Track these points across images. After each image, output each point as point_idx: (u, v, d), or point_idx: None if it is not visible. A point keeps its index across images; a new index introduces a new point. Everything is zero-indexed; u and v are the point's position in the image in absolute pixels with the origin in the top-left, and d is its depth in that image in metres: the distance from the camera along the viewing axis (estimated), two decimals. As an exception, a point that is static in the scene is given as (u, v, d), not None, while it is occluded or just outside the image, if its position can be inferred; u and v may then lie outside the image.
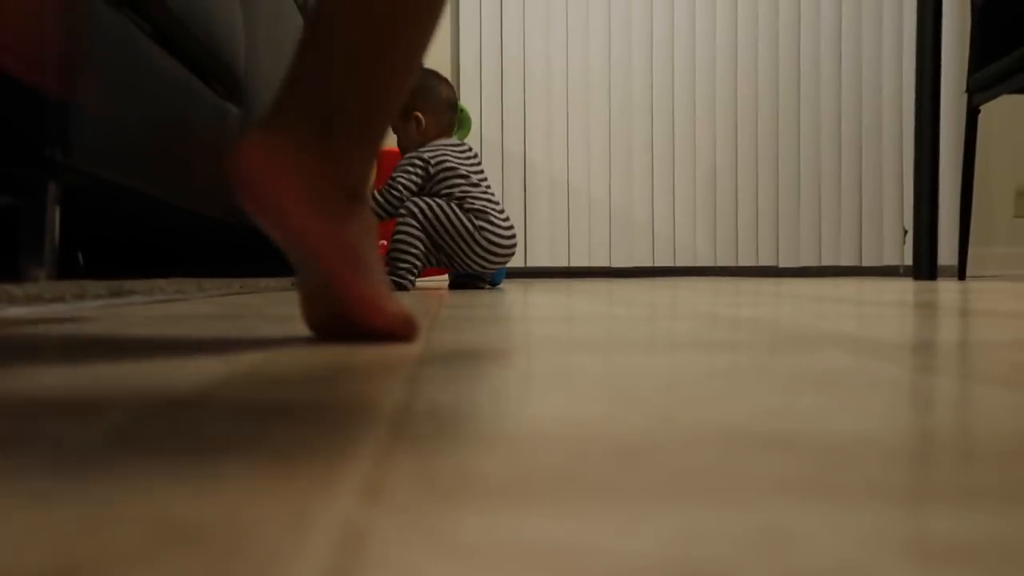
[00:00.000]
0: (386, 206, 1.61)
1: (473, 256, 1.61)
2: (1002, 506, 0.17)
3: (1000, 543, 0.14)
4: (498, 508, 0.16)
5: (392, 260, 1.60)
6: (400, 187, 1.61)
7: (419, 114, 1.68)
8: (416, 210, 1.59)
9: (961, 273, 2.33)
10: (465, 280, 1.71)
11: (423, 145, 1.67)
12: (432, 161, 1.63)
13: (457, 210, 1.60)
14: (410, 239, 1.59)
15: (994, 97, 2.15)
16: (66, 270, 1.08)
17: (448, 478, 0.19)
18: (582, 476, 0.19)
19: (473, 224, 1.59)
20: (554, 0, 3.07)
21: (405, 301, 1.10)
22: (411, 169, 1.62)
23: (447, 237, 1.59)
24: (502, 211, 1.66)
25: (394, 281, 1.60)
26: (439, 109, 1.70)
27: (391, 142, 1.79)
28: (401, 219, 1.59)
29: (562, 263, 3.09)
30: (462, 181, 1.62)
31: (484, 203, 1.62)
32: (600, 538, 0.15)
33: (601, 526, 0.15)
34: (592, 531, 0.15)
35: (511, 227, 1.65)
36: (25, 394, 0.30)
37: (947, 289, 1.51)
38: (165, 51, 1.18)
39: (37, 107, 0.92)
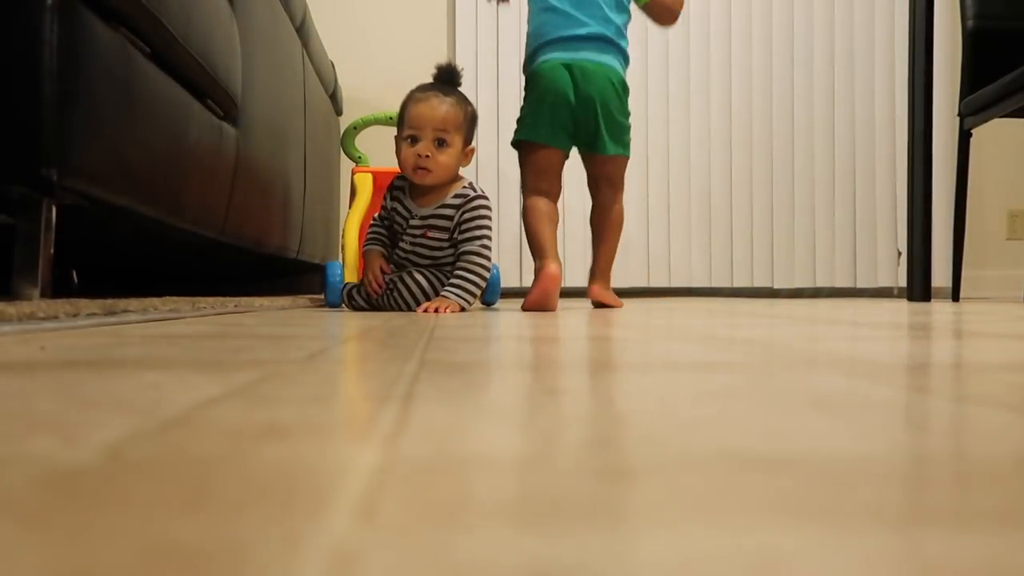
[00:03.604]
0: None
1: None
2: (999, 528, 0.17)
3: (997, 566, 0.14)
4: (492, 530, 0.16)
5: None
6: None
7: (472, 150, 1.59)
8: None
9: (955, 295, 2.33)
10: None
11: (456, 176, 1.56)
12: None
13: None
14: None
15: (986, 121, 2.17)
16: (60, 289, 1.07)
17: (443, 499, 0.18)
18: (576, 497, 0.19)
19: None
20: (550, 23, 3.09)
21: (402, 319, 1.10)
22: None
23: None
24: None
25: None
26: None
27: (391, 162, 1.77)
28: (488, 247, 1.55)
29: (557, 283, 3.09)
30: None
31: None
32: (594, 560, 0.14)
33: (595, 548, 0.15)
34: (586, 553, 0.15)
35: None
36: (17, 413, 0.30)
37: (941, 311, 1.51)
38: (162, 71, 1.18)
39: (33, 126, 0.92)
